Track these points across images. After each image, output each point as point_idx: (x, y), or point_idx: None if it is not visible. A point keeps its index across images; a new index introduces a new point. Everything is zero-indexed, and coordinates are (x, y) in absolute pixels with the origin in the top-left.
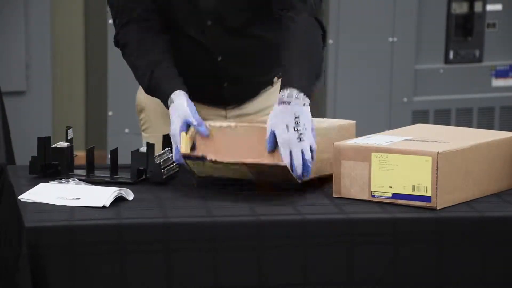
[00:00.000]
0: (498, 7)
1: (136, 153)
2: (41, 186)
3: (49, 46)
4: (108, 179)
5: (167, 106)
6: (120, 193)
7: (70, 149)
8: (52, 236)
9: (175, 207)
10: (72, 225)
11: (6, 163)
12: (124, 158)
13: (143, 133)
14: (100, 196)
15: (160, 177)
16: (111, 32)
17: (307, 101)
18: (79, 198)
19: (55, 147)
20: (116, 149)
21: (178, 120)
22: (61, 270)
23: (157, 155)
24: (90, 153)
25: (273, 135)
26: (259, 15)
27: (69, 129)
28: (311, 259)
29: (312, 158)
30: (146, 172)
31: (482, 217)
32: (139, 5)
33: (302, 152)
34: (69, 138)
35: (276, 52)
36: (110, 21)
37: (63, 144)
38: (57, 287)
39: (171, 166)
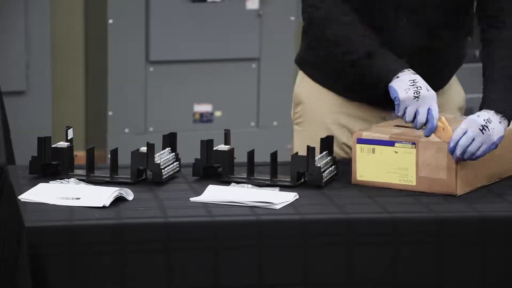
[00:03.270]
0: None
1: (136, 153)
2: (41, 186)
3: (49, 46)
4: (108, 179)
5: (391, 76)
6: (120, 193)
7: (70, 149)
8: (52, 236)
9: (175, 207)
10: (72, 225)
11: (6, 163)
12: (124, 158)
13: (296, 126)
14: (100, 196)
15: (160, 177)
16: (111, 32)
17: (505, 122)
18: (79, 198)
19: (55, 147)
20: (116, 149)
21: (430, 87)
22: (61, 270)
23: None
24: (90, 153)
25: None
26: (452, 18)
27: (69, 129)
28: (311, 259)
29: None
30: (146, 172)
31: (482, 217)
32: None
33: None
34: (69, 138)
35: (456, 59)
36: (110, 21)
37: (63, 144)
38: (57, 287)
39: (171, 166)
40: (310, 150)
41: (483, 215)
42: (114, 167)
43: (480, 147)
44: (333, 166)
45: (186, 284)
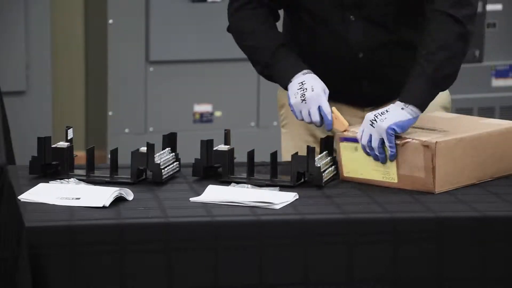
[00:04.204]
0: (498, 7)
1: (136, 153)
2: (41, 186)
3: (49, 46)
4: (108, 179)
5: (286, 83)
6: (120, 193)
7: (70, 149)
8: (52, 236)
9: (175, 207)
10: (72, 225)
11: (6, 163)
12: (124, 158)
13: (282, 129)
14: (100, 196)
15: (160, 177)
16: (111, 32)
17: (416, 111)
18: (79, 198)
19: (55, 147)
20: (116, 149)
21: (319, 85)
22: (61, 270)
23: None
24: (90, 153)
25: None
26: (404, 11)
27: (69, 129)
28: (311, 259)
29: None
30: (146, 172)
31: (482, 217)
32: None
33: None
34: (69, 138)
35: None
36: (110, 21)
37: (63, 144)
38: (57, 287)
39: (171, 166)
40: (310, 150)
41: (483, 215)
42: (114, 167)
43: (371, 138)
44: (333, 166)
45: (186, 284)
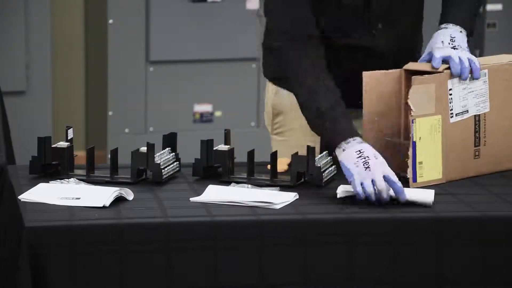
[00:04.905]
0: (498, 7)
1: (136, 153)
2: (41, 186)
3: (49, 46)
4: (108, 179)
5: (337, 143)
6: (120, 193)
7: (70, 149)
8: (52, 236)
9: (175, 207)
10: (72, 225)
11: (6, 163)
12: (124, 158)
13: (275, 136)
14: (100, 196)
15: (160, 177)
16: (111, 32)
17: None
18: (79, 198)
19: (55, 147)
20: (116, 149)
21: (378, 154)
22: (61, 270)
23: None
24: (90, 153)
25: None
26: (420, 18)
27: (69, 129)
28: (311, 259)
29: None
30: (146, 172)
31: (482, 217)
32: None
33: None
34: (69, 138)
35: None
36: (110, 21)
37: (63, 144)
38: (57, 287)
39: (171, 166)
40: (310, 150)
41: (483, 215)
42: (114, 167)
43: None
44: (333, 166)
45: (186, 284)
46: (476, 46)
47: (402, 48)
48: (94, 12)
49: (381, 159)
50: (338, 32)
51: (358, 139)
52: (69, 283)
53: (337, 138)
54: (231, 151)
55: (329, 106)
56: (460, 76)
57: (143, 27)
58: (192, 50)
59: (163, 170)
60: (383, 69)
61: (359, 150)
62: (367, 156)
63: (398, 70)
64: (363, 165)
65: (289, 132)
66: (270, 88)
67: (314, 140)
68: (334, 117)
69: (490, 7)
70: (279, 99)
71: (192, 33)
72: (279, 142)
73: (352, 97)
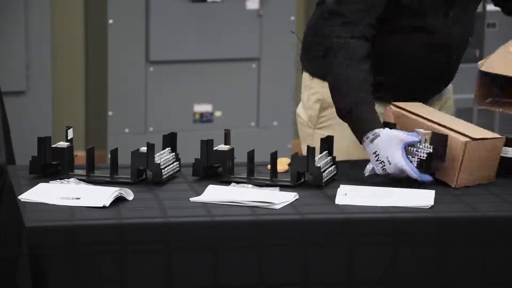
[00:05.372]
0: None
1: (136, 153)
2: (41, 186)
3: (49, 46)
4: (108, 179)
5: (362, 136)
6: (120, 193)
7: (70, 149)
8: (52, 236)
9: (175, 207)
10: (72, 225)
11: (6, 163)
12: (124, 158)
13: (318, 130)
14: (100, 196)
15: (160, 177)
16: (111, 32)
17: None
18: (79, 198)
19: (55, 147)
20: (116, 149)
21: (392, 152)
22: (61, 270)
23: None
24: (90, 153)
25: None
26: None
27: (69, 129)
28: (311, 259)
29: None
30: (146, 172)
31: (482, 217)
32: (368, 19)
33: None
34: (69, 138)
35: None
36: (110, 21)
37: (63, 144)
38: (57, 287)
39: (171, 166)
40: (310, 150)
41: (483, 215)
42: (114, 167)
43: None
44: (333, 166)
45: (186, 284)
46: (476, 46)
47: (467, 36)
48: (94, 12)
49: (394, 160)
50: (416, 14)
51: (370, 135)
52: (69, 283)
53: (358, 135)
54: (231, 151)
55: (357, 100)
56: None
57: (143, 27)
58: (192, 50)
59: (163, 170)
60: (448, 63)
61: (375, 153)
62: (383, 161)
63: None
64: (382, 171)
65: (337, 125)
66: (315, 83)
67: None
68: (362, 110)
69: (490, 7)
70: (328, 92)
71: (192, 33)
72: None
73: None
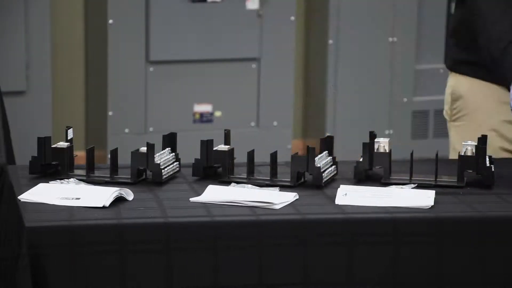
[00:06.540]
0: None
1: (136, 153)
2: (41, 186)
3: (49, 46)
4: (108, 179)
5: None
6: (120, 193)
7: (70, 149)
8: (52, 236)
9: (175, 207)
10: (72, 225)
11: (6, 163)
12: (124, 158)
13: (453, 123)
14: (100, 196)
15: (160, 177)
16: (111, 32)
17: None
18: (79, 198)
19: (55, 147)
20: (116, 149)
21: None
22: (61, 270)
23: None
24: (90, 153)
25: None
26: None
27: (69, 129)
28: (311, 259)
29: None
30: (146, 172)
31: (482, 217)
32: None
33: None
34: (69, 138)
35: None
36: (110, 21)
37: (63, 144)
38: (57, 287)
39: (171, 166)
40: (310, 150)
41: (483, 215)
42: (114, 167)
43: None
44: (333, 166)
45: (186, 284)
46: None
47: None
48: (94, 12)
49: None
50: None
51: None
52: (69, 283)
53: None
54: (231, 151)
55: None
56: None
57: (143, 27)
58: (192, 50)
59: (163, 170)
60: None
61: None
62: None
63: None
64: None
65: (468, 116)
66: (452, 78)
67: (492, 124)
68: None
69: None
70: (459, 82)
71: (192, 33)
72: (457, 128)
73: None
